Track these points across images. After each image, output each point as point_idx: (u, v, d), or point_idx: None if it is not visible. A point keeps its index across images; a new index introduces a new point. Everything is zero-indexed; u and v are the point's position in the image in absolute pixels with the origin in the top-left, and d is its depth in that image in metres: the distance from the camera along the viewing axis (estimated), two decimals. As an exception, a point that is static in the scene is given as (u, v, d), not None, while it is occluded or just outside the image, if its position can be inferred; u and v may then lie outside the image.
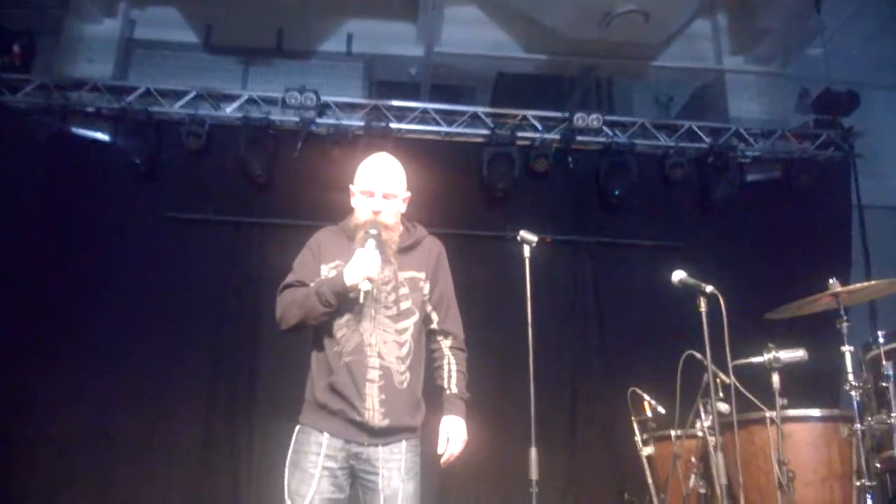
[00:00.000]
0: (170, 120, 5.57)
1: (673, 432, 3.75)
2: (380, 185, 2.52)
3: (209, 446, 4.97)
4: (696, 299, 2.93)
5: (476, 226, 5.56)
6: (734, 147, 5.81)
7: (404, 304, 2.49)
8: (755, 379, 3.38)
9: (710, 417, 3.18)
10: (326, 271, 2.51)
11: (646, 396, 4.01)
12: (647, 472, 3.99)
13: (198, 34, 6.32)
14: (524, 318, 2.89)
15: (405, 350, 2.46)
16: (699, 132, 5.91)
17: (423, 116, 5.84)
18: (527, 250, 2.84)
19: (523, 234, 2.84)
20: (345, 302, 2.40)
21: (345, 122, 5.68)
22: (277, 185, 5.55)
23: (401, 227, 2.62)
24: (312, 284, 2.46)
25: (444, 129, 5.83)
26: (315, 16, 6.24)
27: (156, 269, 5.32)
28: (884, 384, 3.04)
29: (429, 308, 2.58)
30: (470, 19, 6.34)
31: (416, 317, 2.51)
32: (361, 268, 2.33)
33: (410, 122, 5.82)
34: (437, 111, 5.86)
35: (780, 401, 3.21)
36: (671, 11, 5.67)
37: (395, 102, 5.85)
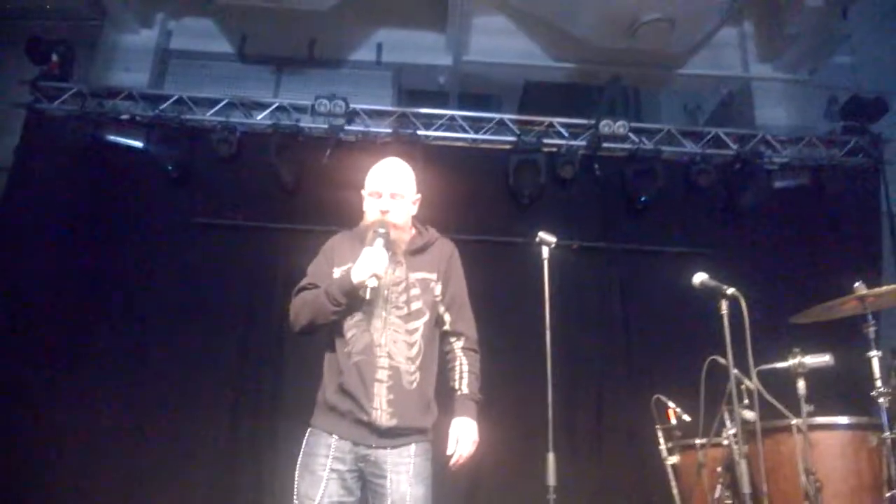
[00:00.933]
0: (202, 127, 5.71)
1: (698, 441, 3.71)
2: (387, 186, 2.57)
3: (233, 448, 5.06)
4: (718, 302, 2.91)
5: (503, 232, 5.58)
6: (761, 154, 5.76)
7: (415, 305, 2.50)
8: (783, 385, 3.35)
9: (735, 425, 3.15)
10: (338, 274, 2.55)
11: (670, 404, 3.97)
12: (673, 482, 3.96)
13: (232, 44, 6.48)
14: (545, 320, 2.89)
15: (415, 350, 2.47)
16: (726, 139, 5.88)
17: (451, 123, 5.91)
18: (545, 251, 2.84)
19: (542, 234, 2.86)
20: (354, 300, 2.42)
21: (373, 129, 5.77)
22: (306, 192, 5.63)
23: (413, 230, 2.65)
24: (323, 286, 2.50)
25: (471, 135, 5.89)
26: (346, 26, 6.35)
27: (186, 273, 5.43)
28: (913, 391, 2.99)
29: (441, 309, 2.59)
30: (498, 29, 6.41)
31: (426, 317, 2.52)
32: (368, 265, 2.36)
33: (438, 129, 5.88)
34: (464, 118, 5.92)
35: (806, 407, 3.17)
36: (697, 20, 5.65)
37: (423, 110, 5.93)
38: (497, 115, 5.97)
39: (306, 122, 5.75)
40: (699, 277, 3.12)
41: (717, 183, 5.75)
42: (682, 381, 3.75)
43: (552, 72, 6.59)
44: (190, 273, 5.44)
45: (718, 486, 3.36)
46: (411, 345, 2.46)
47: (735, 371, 3.03)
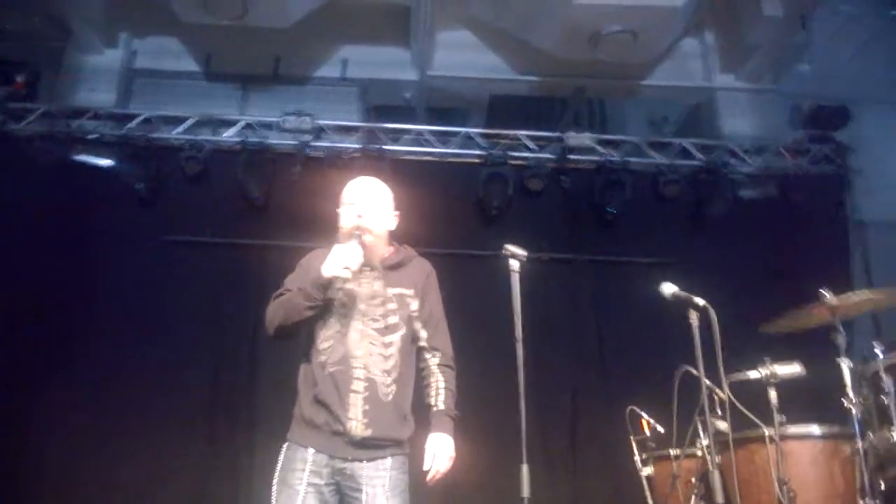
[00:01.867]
0: (170, 146, 5.66)
1: (672, 452, 3.71)
2: (361, 196, 2.58)
3: (211, 462, 5.03)
4: (688, 313, 2.92)
5: (472, 245, 5.57)
6: (727, 164, 5.85)
7: (392, 319, 2.51)
8: (755, 395, 3.36)
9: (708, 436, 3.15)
10: None
11: (644, 415, 3.97)
12: (648, 493, 3.96)
13: (198, 62, 6.44)
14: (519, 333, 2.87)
15: (391, 363, 2.47)
16: (692, 149, 5.95)
17: (418, 138, 5.91)
18: (515, 264, 2.82)
19: (508, 247, 2.83)
20: (326, 297, 2.40)
21: (340, 144, 5.75)
22: (275, 208, 5.59)
23: (390, 248, 2.65)
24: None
25: (439, 150, 5.90)
26: (310, 42, 6.34)
27: (157, 290, 5.38)
28: (884, 400, 3.01)
29: (418, 325, 2.60)
30: (462, 43, 6.43)
31: (402, 331, 2.52)
32: (340, 259, 2.36)
33: (405, 143, 5.88)
34: (432, 133, 5.94)
35: (778, 417, 3.18)
36: (659, 31, 5.72)
37: (390, 125, 5.93)
38: (464, 129, 6.00)
39: (274, 139, 5.73)
40: (669, 289, 3.13)
41: (684, 193, 5.82)
42: (656, 391, 3.75)
43: (517, 85, 6.62)
44: (161, 290, 5.39)
45: (693, 497, 3.36)
46: (387, 357, 2.47)
47: (707, 382, 3.03)
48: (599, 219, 5.84)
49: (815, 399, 3.86)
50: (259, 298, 5.36)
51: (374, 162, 5.44)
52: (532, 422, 5.09)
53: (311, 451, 2.37)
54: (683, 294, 3.05)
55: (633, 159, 5.89)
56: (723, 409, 3.21)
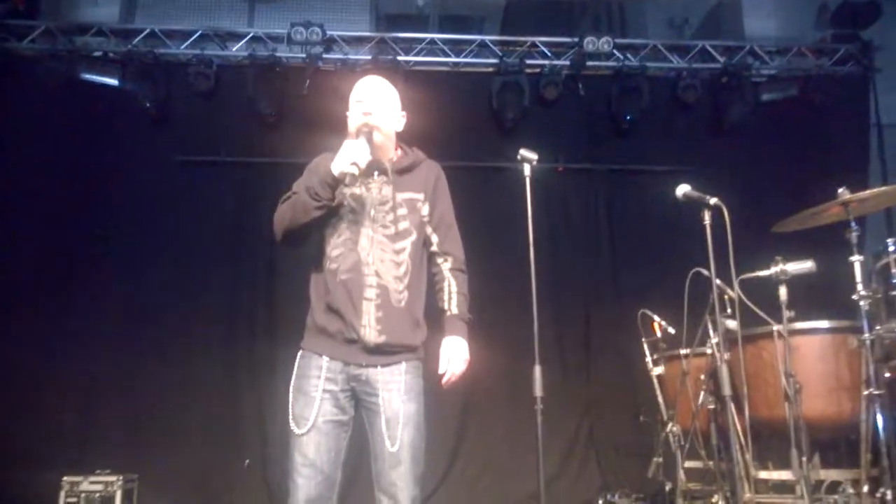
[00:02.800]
0: (177, 62, 5.58)
1: (682, 351, 3.78)
2: (369, 94, 2.51)
3: (233, 375, 5.22)
4: (701, 213, 2.91)
5: (488, 157, 5.55)
6: (749, 66, 5.67)
7: (402, 225, 2.46)
8: (767, 293, 3.38)
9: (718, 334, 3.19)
10: None
11: (655, 317, 4.04)
12: (658, 392, 4.06)
13: (203, -27, 6.23)
14: (534, 242, 2.88)
15: (403, 269, 2.43)
16: (713, 52, 5.77)
17: (431, 48, 5.77)
18: (527, 169, 2.81)
19: (523, 152, 2.81)
20: (337, 196, 2.36)
21: (352, 56, 5.64)
22: (287, 124, 5.56)
23: (398, 150, 2.60)
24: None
25: (453, 59, 5.77)
26: (319, -51, 6.11)
27: (171, 211, 5.44)
28: (893, 292, 3.02)
29: (428, 230, 2.55)
30: (477, -54, 6.18)
31: (413, 237, 2.48)
32: (349, 155, 2.30)
33: (418, 54, 5.75)
34: (445, 41, 5.79)
35: (787, 313, 3.22)
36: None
37: (402, 34, 5.78)
38: (478, 38, 5.84)
39: (283, 53, 5.61)
40: (682, 189, 3.12)
41: (703, 98, 5.68)
42: (669, 295, 3.80)
43: (533, -12, 6.40)
44: (175, 211, 5.44)
45: (702, 393, 3.44)
46: (399, 264, 2.43)
47: (718, 281, 3.05)
48: (616, 127, 5.75)
49: (826, 296, 3.88)
50: (272, 216, 5.46)
51: (387, 73, 5.30)
52: (547, 328, 5.27)
53: (325, 358, 2.37)
54: (696, 194, 3.04)
55: (651, 64, 5.72)
56: (733, 308, 3.26)
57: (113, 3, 5.97)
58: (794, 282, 3.33)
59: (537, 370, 2.71)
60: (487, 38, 5.86)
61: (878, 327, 3.04)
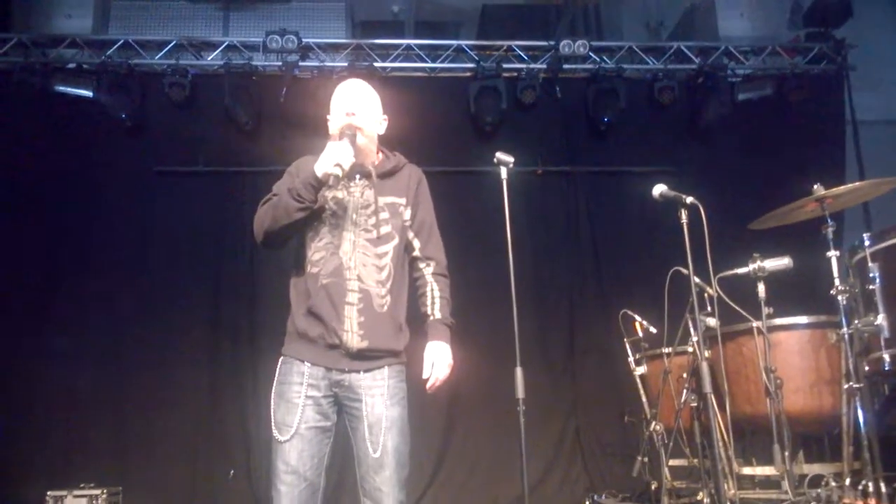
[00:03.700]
0: (152, 72, 5.54)
1: (664, 350, 3.80)
2: (351, 96, 2.51)
3: (216, 382, 5.19)
4: (678, 212, 2.93)
5: (467, 162, 5.55)
6: (724, 66, 5.73)
7: (384, 229, 2.44)
8: (746, 290, 3.41)
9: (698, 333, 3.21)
10: None
11: (636, 317, 4.06)
12: (641, 391, 4.08)
13: (177, -18, 6.19)
14: (515, 245, 2.88)
15: (385, 274, 2.42)
16: (688, 53, 5.83)
17: (408, 53, 5.78)
18: (504, 172, 2.81)
19: (499, 155, 2.82)
20: (319, 199, 2.35)
21: (328, 63, 5.64)
22: (265, 132, 5.54)
23: (381, 155, 2.59)
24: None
25: (430, 64, 5.78)
26: (293, -44, 6.10)
27: (151, 221, 5.40)
28: (870, 287, 3.04)
29: (410, 235, 2.55)
30: (451, -49, 6.20)
31: (395, 241, 2.46)
32: (332, 156, 2.28)
33: (395, 60, 5.75)
34: (421, 47, 5.81)
35: (766, 310, 3.24)
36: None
37: (378, 41, 5.79)
38: (454, 42, 5.86)
39: (259, 61, 5.60)
40: (658, 189, 3.13)
41: (680, 99, 5.74)
42: (650, 294, 3.82)
43: (508, -8, 6.42)
44: (154, 221, 5.41)
45: (684, 391, 3.45)
46: (381, 268, 2.41)
47: (696, 279, 3.06)
48: (594, 129, 5.78)
49: (804, 292, 3.92)
50: (252, 225, 5.45)
51: (364, 80, 5.27)
52: (530, 330, 5.27)
53: (307, 364, 2.34)
54: (672, 193, 3.05)
55: (627, 66, 5.77)
56: (712, 306, 3.28)
57: (86, 14, 5.90)
58: (772, 278, 3.37)
59: (519, 372, 2.71)
60: (464, 42, 5.88)
61: (856, 321, 3.06)
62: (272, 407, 2.36)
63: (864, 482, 2.92)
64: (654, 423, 3.68)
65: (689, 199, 2.95)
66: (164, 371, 5.10)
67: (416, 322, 2.57)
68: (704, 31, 6.39)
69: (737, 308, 3.31)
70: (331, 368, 2.35)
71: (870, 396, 3.22)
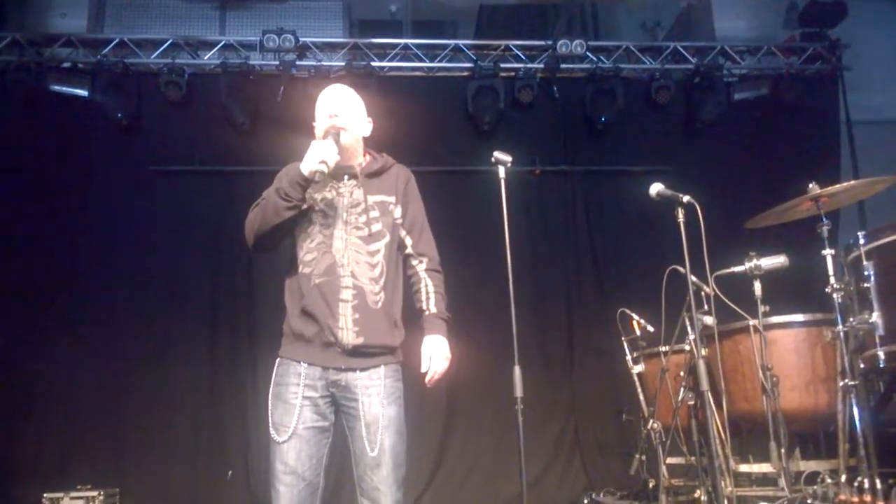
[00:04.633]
0: (148, 71, 5.54)
1: (661, 348, 3.81)
2: (334, 99, 2.53)
3: (215, 384, 5.19)
4: (675, 211, 2.94)
5: (465, 161, 5.56)
6: (720, 66, 5.75)
7: (375, 227, 2.46)
8: (742, 289, 3.42)
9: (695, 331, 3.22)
10: None
11: (634, 316, 4.07)
12: (639, 389, 4.09)
13: (173, -20, 6.18)
14: (513, 244, 2.89)
15: (378, 271, 2.43)
16: (684, 52, 5.85)
17: (405, 53, 5.79)
18: (502, 171, 2.82)
19: (497, 154, 2.83)
20: (308, 198, 2.37)
21: (325, 63, 5.63)
22: (261, 131, 5.53)
23: (367, 157, 2.60)
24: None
25: (427, 64, 5.78)
26: (290, -45, 6.10)
27: (148, 221, 5.38)
28: (865, 284, 3.06)
29: (402, 233, 2.56)
30: (449, -50, 6.21)
31: (387, 238, 2.48)
32: (316, 154, 2.31)
33: (392, 59, 5.76)
34: (419, 46, 5.81)
35: (762, 308, 3.26)
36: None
37: (376, 40, 5.79)
38: (452, 42, 5.86)
39: (256, 60, 5.59)
40: (655, 188, 3.14)
41: (676, 99, 5.76)
42: (648, 293, 3.82)
43: (506, -8, 6.43)
44: (151, 221, 5.39)
45: (681, 389, 3.46)
46: (373, 266, 2.42)
47: (693, 278, 3.08)
48: (591, 129, 5.80)
49: (800, 290, 3.94)
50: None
51: (362, 79, 5.33)
52: (529, 330, 5.28)
53: (303, 365, 2.35)
54: (669, 192, 3.07)
55: (624, 66, 5.78)
56: (709, 304, 3.29)
57: (81, 13, 5.90)
58: (768, 277, 3.38)
59: (517, 371, 2.71)
60: (461, 42, 5.88)
61: (851, 319, 3.08)
62: (270, 408, 2.37)
63: (859, 479, 2.93)
64: (651, 421, 3.69)
65: (686, 198, 2.97)
66: (161, 371, 5.10)
67: (413, 320, 2.59)
68: (700, 31, 6.43)
69: (733, 306, 3.32)
70: (327, 368, 2.36)
71: (865, 393, 3.23)
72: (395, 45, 5.78)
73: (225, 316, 5.32)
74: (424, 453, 4.99)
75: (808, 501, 2.95)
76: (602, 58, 5.81)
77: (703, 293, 3.30)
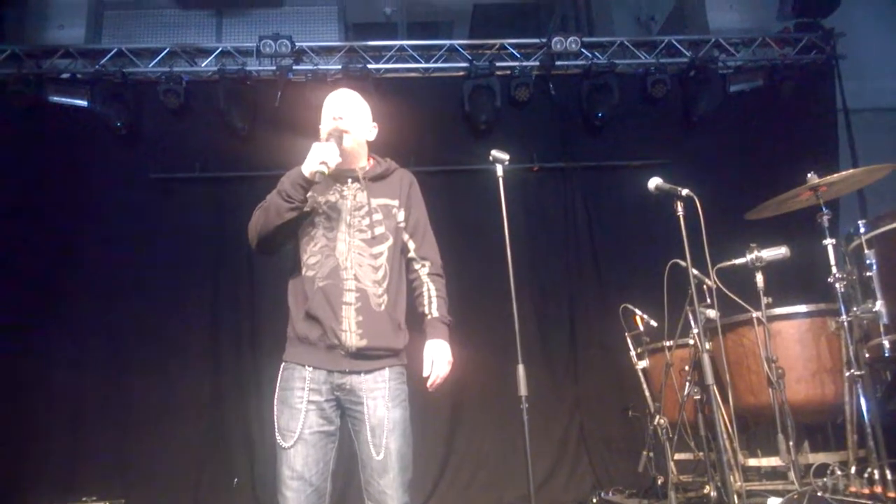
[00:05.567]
0: (146, 80, 5.55)
1: (665, 343, 3.80)
2: (340, 102, 2.54)
3: (219, 389, 5.18)
4: (674, 205, 2.94)
5: (463, 160, 5.57)
6: (715, 59, 5.75)
7: (378, 230, 2.47)
8: (744, 281, 3.42)
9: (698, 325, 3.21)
10: None
11: (637, 311, 4.06)
12: (644, 385, 4.08)
13: (169, -10, 6.21)
14: (513, 242, 2.89)
15: (381, 273, 2.43)
16: (679, 46, 5.84)
17: (401, 54, 5.78)
18: (500, 169, 2.82)
19: (494, 153, 2.83)
20: (310, 201, 2.38)
21: (322, 66, 5.64)
22: (260, 137, 5.53)
23: (371, 161, 2.61)
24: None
25: (423, 65, 5.79)
26: (285, -39, 6.12)
27: (147, 229, 5.38)
28: (867, 273, 3.05)
29: (405, 236, 2.57)
30: (441, -49, 6.22)
31: (390, 241, 2.49)
32: (317, 155, 2.32)
33: (388, 61, 5.76)
34: (414, 48, 5.81)
35: (764, 300, 3.25)
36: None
37: (371, 42, 5.79)
38: (447, 42, 5.86)
39: (253, 66, 5.60)
40: (653, 182, 3.14)
41: (672, 92, 5.75)
42: (650, 288, 3.82)
43: (499, -9, 6.45)
44: (152, 228, 5.40)
45: (687, 384, 3.45)
46: (377, 268, 2.43)
47: (694, 272, 3.06)
48: (588, 125, 5.80)
49: (802, 280, 3.93)
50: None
51: (358, 82, 5.33)
52: (531, 327, 5.28)
53: (308, 368, 2.35)
54: (667, 186, 3.06)
55: (619, 61, 5.78)
56: (711, 297, 3.28)
57: (78, 24, 5.93)
58: (770, 268, 3.37)
59: (521, 369, 2.70)
60: (456, 42, 5.89)
61: (854, 308, 3.07)
62: (275, 413, 2.37)
63: (869, 470, 2.92)
64: (657, 417, 3.69)
65: (685, 192, 2.96)
66: (164, 380, 5.09)
67: (416, 324, 2.59)
68: (694, 24, 6.43)
69: (736, 299, 3.32)
70: (332, 371, 2.36)
71: (872, 384, 3.22)
72: (390, 47, 5.79)
73: (227, 322, 5.32)
74: (430, 456, 4.97)
75: (819, 494, 2.94)
76: (597, 54, 5.81)
77: (704, 286, 3.30)
